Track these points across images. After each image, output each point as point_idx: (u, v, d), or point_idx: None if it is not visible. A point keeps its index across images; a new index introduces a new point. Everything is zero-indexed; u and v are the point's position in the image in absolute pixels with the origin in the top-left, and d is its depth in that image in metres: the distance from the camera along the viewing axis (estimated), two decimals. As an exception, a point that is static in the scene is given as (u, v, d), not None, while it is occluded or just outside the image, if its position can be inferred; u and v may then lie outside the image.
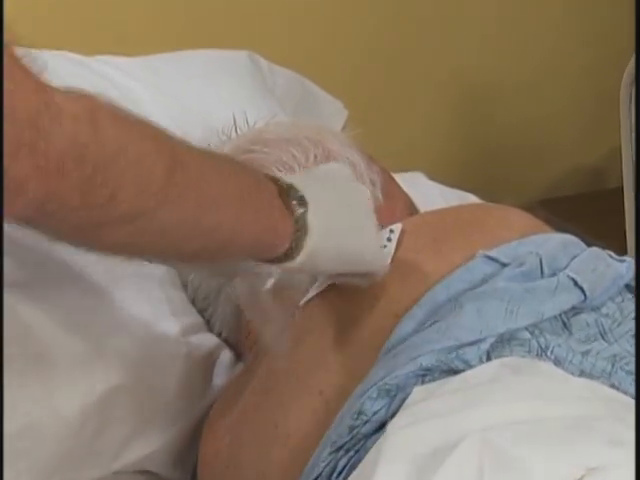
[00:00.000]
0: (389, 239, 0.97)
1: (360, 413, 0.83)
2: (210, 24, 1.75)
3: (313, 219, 0.81)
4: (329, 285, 0.97)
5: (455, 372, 0.83)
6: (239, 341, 1.14)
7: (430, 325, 0.87)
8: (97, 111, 0.65)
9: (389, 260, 0.94)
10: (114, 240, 0.69)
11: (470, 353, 0.84)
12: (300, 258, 0.82)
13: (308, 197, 0.82)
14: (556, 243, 0.96)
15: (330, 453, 0.84)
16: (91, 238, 0.69)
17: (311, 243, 0.81)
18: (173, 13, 1.73)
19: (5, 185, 0.58)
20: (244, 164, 0.83)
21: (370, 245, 0.89)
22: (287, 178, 0.84)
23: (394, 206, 1.12)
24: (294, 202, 0.81)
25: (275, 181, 0.82)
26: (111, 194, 0.65)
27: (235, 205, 0.76)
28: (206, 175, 0.74)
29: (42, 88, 0.61)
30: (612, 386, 0.83)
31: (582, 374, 0.84)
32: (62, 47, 1.34)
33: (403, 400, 0.81)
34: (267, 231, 0.79)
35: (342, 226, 0.85)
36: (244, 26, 1.79)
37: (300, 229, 0.81)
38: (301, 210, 0.81)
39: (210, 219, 0.74)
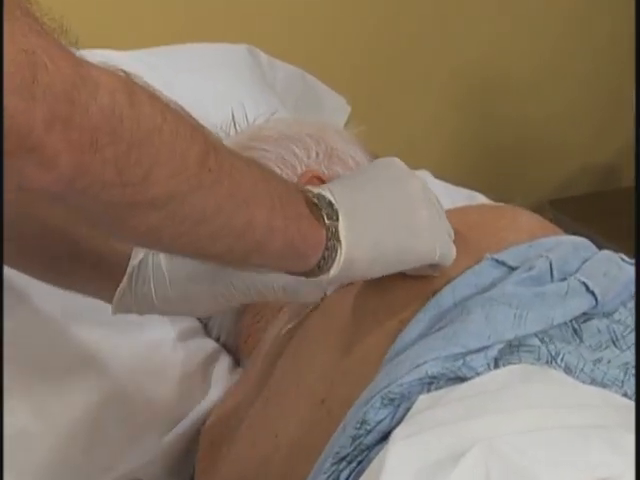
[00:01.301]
0: None
1: (363, 422, 0.81)
2: (209, 18, 1.74)
3: (345, 228, 0.79)
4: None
5: (462, 380, 0.81)
6: (238, 346, 1.13)
7: (436, 331, 0.85)
8: (134, 87, 0.65)
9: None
10: (144, 224, 0.68)
11: (477, 360, 0.82)
12: (334, 270, 0.80)
13: (340, 205, 0.80)
14: (567, 246, 0.94)
15: (332, 464, 0.82)
16: (122, 220, 0.67)
17: (345, 254, 0.79)
18: (171, 6, 1.71)
19: (36, 158, 0.59)
20: (272, 170, 0.81)
21: (423, 240, 0.85)
22: (317, 187, 0.81)
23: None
24: (323, 212, 0.79)
25: (303, 190, 0.80)
26: (145, 174, 0.64)
27: (265, 208, 0.74)
28: (238, 168, 0.73)
29: (78, 62, 0.61)
30: (625, 395, 0.82)
31: (593, 382, 0.82)
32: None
33: (408, 409, 0.79)
34: (298, 240, 0.77)
35: (381, 231, 0.82)
36: (244, 21, 1.78)
37: (331, 239, 0.79)
38: (332, 220, 0.79)
39: (241, 217, 0.72)
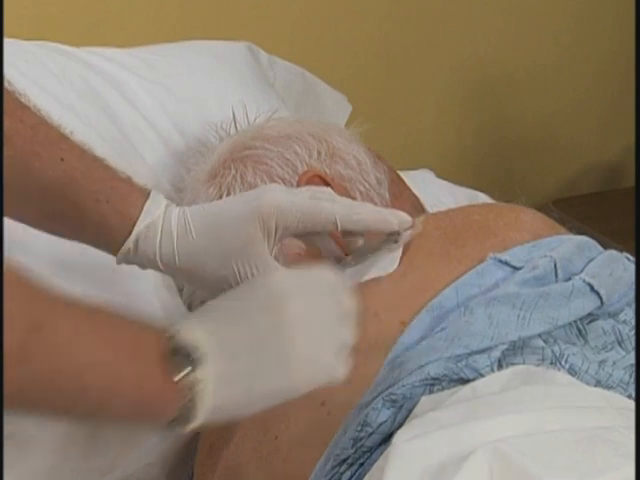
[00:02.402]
0: (396, 241, 0.93)
1: (364, 424, 0.80)
2: (209, 15, 1.73)
3: (212, 379, 0.73)
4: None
5: (465, 381, 0.80)
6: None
7: (438, 332, 0.85)
8: None
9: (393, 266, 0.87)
10: None
11: (480, 361, 0.81)
12: (195, 424, 0.74)
13: (204, 351, 0.74)
14: (571, 246, 0.93)
15: (333, 467, 0.82)
16: None
17: (207, 405, 0.74)
18: (171, 4, 1.71)
19: None
20: (136, 323, 0.75)
21: (299, 373, 0.78)
22: (184, 329, 0.75)
23: (401, 207, 1.08)
24: (180, 366, 0.73)
25: (165, 339, 0.74)
26: None
27: (111, 369, 0.71)
28: (78, 339, 0.69)
29: None
30: (629, 396, 0.81)
31: (598, 384, 0.82)
32: (51, 37, 1.32)
33: (410, 411, 0.79)
34: (150, 398, 0.73)
35: (251, 372, 0.76)
36: (244, 19, 1.77)
37: (189, 392, 0.73)
38: (191, 372, 0.73)
39: (74, 385, 0.69)
